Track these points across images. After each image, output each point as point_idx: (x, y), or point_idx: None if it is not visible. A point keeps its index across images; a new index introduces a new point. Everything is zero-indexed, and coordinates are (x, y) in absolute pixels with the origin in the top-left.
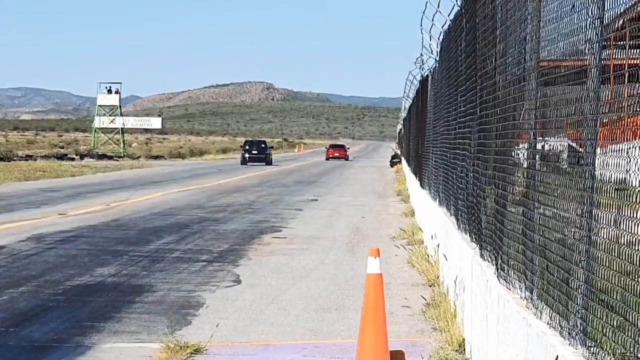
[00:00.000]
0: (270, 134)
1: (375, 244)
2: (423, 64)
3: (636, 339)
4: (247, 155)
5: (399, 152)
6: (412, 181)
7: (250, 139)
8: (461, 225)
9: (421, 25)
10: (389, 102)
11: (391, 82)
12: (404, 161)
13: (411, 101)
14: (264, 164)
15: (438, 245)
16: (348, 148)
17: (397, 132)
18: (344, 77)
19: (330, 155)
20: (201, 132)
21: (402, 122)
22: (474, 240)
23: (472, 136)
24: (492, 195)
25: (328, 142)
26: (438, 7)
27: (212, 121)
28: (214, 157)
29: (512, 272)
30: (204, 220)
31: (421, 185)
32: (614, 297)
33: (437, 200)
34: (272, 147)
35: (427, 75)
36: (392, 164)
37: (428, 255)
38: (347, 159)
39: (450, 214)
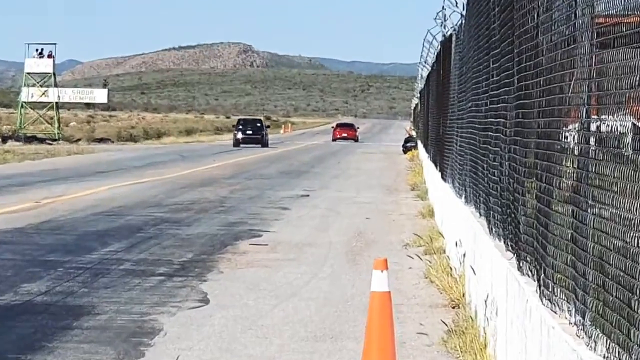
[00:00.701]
0: (249, 110)
1: (383, 253)
2: (445, 20)
3: None
4: (240, 135)
5: (414, 133)
6: (430, 172)
7: (243, 117)
8: (493, 229)
9: None
10: (401, 69)
11: (404, 43)
12: (420, 146)
13: (430, 68)
14: (259, 145)
15: (464, 255)
16: (357, 128)
17: (412, 108)
18: (343, 38)
19: (338, 136)
20: (159, 107)
21: (419, 95)
22: (510, 248)
23: (507, 114)
24: (533, 190)
25: (323, 121)
26: None
27: (174, 94)
28: (175, 141)
29: (559, 290)
30: (163, 221)
31: (442, 178)
32: None
33: (463, 196)
34: (268, 126)
35: (451, 35)
36: (406, 150)
37: (451, 268)
38: (356, 140)
39: (480, 215)
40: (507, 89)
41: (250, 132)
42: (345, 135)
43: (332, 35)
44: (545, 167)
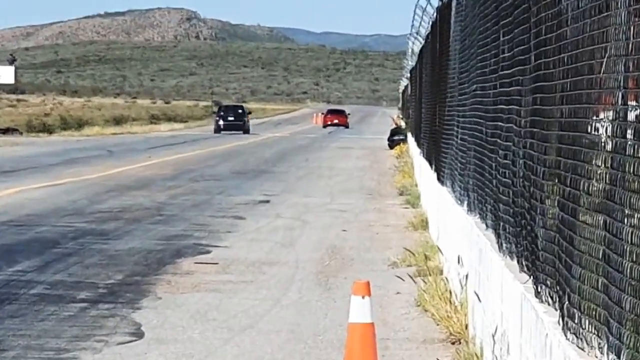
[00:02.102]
0: (194, 94)
1: (364, 274)
2: None
3: None
4: (221, 122)
5: (403, 124)
6: (424, 172)
7: (226, 103)
8: (504, 245)
9: None
10: (386, 42)
11: (390, 10)
12: (410, 139)
13: (423, 41)
14: (241, 132)
15: (466, 277)
16: (348, 114)
17: (401, 91)
18: (313, 3)
19: (329, 122)
20: (80, 90)
21: (409, 75)
22: (525, 268)
23: (522, 99)
24: (554, 195)
25: (287, 107)
26: None
27: (99, 73)
28: (101, 132)
29: (587, 322)
30: (85, 234)
31: (439, 179)
32: None
33: (465, 203)
34: (250, 112)
35: (449, 0)
36: (393, 144)
37: (450, 293)
38: (347, 127)
39: (487, 226)
40: (521, 67)
41: (232, 118)
42: (337, 121)
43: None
44: (570, 167)
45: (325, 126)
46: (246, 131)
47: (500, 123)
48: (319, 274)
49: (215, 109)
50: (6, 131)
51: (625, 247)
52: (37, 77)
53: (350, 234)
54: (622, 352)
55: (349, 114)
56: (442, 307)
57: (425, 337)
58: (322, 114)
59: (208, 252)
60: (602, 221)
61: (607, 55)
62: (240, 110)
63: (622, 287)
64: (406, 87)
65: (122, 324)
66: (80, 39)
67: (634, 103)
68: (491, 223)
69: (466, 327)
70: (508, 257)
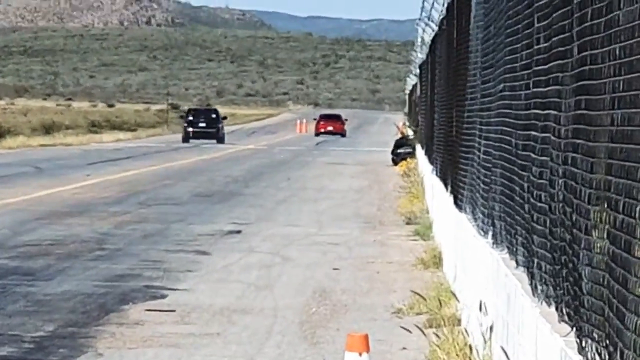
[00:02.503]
0: (144, 95)
1: (361, 325)
2: None
3: None
4: (190, 129)
5: (410, 133)
6: (437, 194)
7: (194, 106)
8: (539, 288)
9: None
10: (389, 29)
11: None
12: (420, 152)
13: (436, 28)
14: (214, 141)
15: (490, 328)
16: (346, 120)
17: (408, 92)
18: None
19: (322, 130)
20: (0, 90)
21: (418, 71)
22: (566, 317)
23: (562, 103)
24: (603, 224)
25: (263, 112)
26: None
27: (24, 68)
28: (26, 143)
29: None
30: (6, 273)
31: (457, 204)
32: None
33: (490, 234)
34: (225, 117)
35: None
36: (397, 158)
37: (470, 348)
38: (343, 135)
39: (517, 264)
40: (561, 62)
41: (203, 124)
42: (331, 128)
43: None
44: (624, 189)
45: (317, 134)
46: (220, 140)
47: (534, 132)
48: (304, 325)
49: (178, 112)
50: None
51: None
52: None
53: (344, 273)
54: None
55: (346, 120)
56: None
57: None
58: (314, 119)
59: (163, 296)
60: None
61: None
62: (213, 115)
63: None
64: (414, 86)
65: None
66: (0, 24)
67: None
68: (522, 260)
69: None
70: (544, 303)
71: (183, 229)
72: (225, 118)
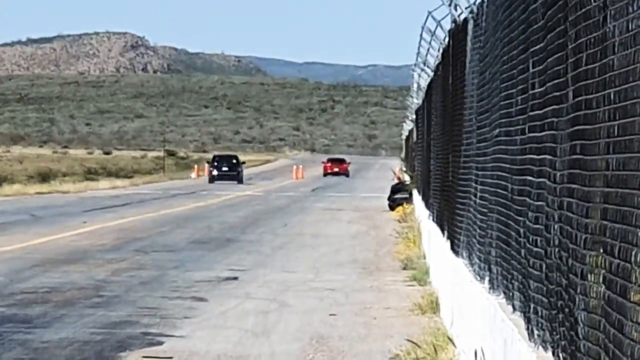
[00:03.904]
0: (140, 141)
1: None
2: None
3: None
4: (215, 172)
5: (407, 178)
6: (433, 239)
7: (218, 153)
8: (535, 332)
9: None
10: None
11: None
12: (417, 198)
13: (432, 74)
14: (235, 182)
15: None
16: (349, 162)
17: (404, 137)
18: (293, 26)
19: (329, 171)
20: None
21: (414, 116)
22: None
23: (557, 147)
24: (599, 269)
25: (259, 158)
26: None
27: (20, 115)
28: (23, 191)
29: None
30: (3, 320)
31: (453, 249)
32: None
33: (487, 279)
34: (244, 162)
35: (466, 21)
36: (394, 204)
37: None
38: (347, 175)
39: (514, 309)
40: (556, 107)
41: (226, 168)
42: (337, 169)
43: (276, 23)
44: (619, 233)
45: (325, 175)
46: (240, 181)
47: (529, 177)
48: None
49: (174, 159)
50: None
51: None
52: None
53: (341, 319)
54: None
55: (349, 163)
56: None
57: None
58: (322, 162)
59: (160, 343)
60: None
61: None
62: (234, 161)
63: None
64: (411, 131)
65: None
66: None
67: None
68: (519, 305)
69: None
70: (541, 347)
71: (180, 276)
72: (244, 163)
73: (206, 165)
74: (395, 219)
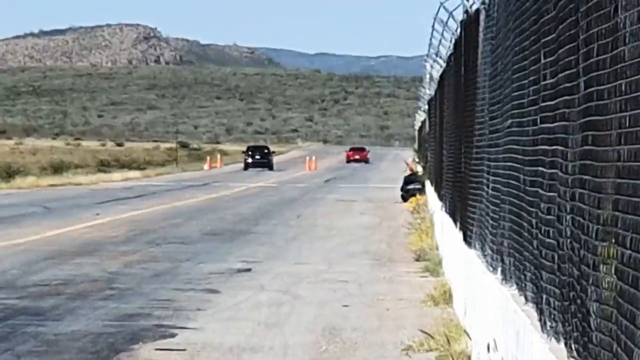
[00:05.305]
0: (153, 133)
1: None
2: None
3: None
4: (250, 160)
5: (419, 169)
6: (446, 231)
7: (252, 144)
8: (548, 323)
9: None
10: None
11: (402, 26)
12: (429, 189)
13: (444, 64)
14: (266, 169)
15: None
16: (368, 151)
17: (417, 128)
18: (304, 17)
19: (351, 158)
20: (9, 130)
21: (427, 107)
22: (575, 353)
23: (569, 138)
24: (611, 260)
25: (272, 150)
26: None
27: (33, 107)
28: (36, 183)
29: None
30: (16, 313)
31: (466, 240)
32: None
33: (499, 270)
34: (273, 152)
35: (477, 12)
36: (407, 195)
37: None
38: (367, 162)
39: (526, 300)
40: (568, 97)
41: (258, 157)
42: (358, 157)
43: (288, 14)
44: (631, 224)
45: (348, 161)
46: (271, 167)
47: (541, 168)
48: None
49: (187, 150)
50: None
51: None
52: None
53: (354, 310)
54: None
55: (368, 151)
56: None
57: None
58: (345, 151)
59: (173, 335)
60: None
61: None
62: (265, 150)
63: None
64: (423, 122)
65: None
66: (8, 65)
67: None
68: (531, 296)
69: None
70: (553, 339)
71: (193, 268)
72: (273, 152)
73: (218, 156)
74: (408, 210)
